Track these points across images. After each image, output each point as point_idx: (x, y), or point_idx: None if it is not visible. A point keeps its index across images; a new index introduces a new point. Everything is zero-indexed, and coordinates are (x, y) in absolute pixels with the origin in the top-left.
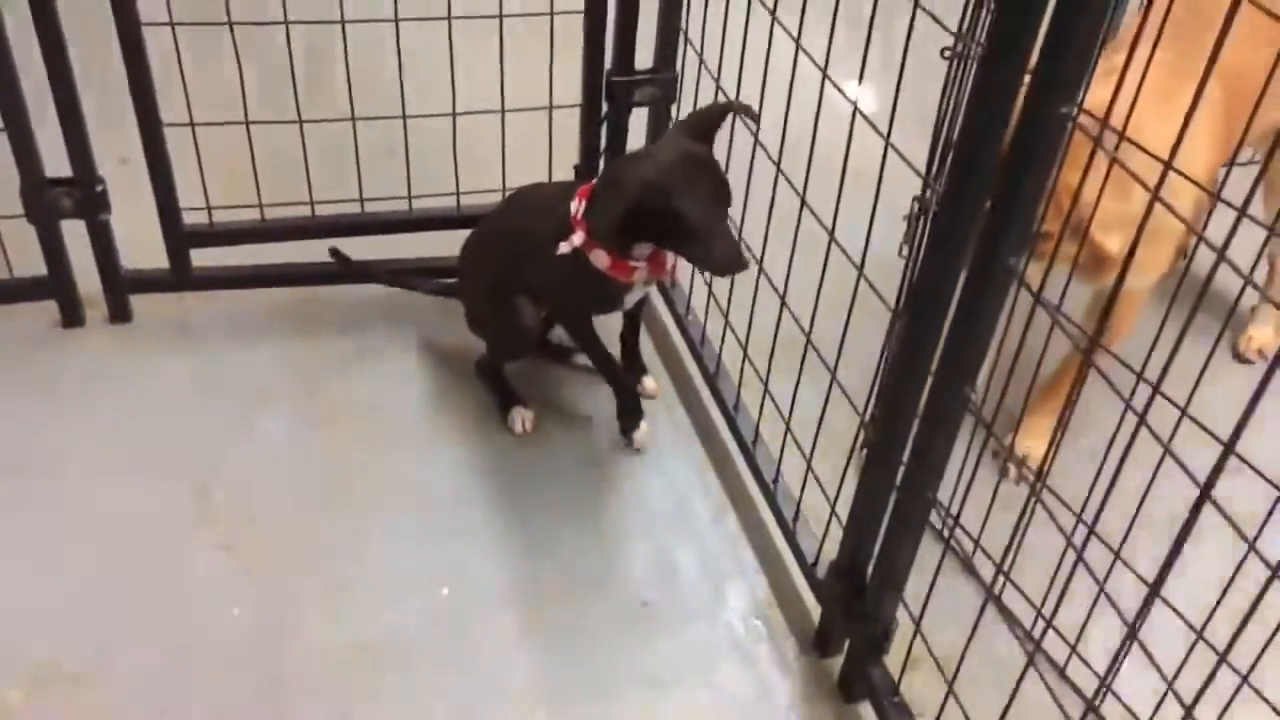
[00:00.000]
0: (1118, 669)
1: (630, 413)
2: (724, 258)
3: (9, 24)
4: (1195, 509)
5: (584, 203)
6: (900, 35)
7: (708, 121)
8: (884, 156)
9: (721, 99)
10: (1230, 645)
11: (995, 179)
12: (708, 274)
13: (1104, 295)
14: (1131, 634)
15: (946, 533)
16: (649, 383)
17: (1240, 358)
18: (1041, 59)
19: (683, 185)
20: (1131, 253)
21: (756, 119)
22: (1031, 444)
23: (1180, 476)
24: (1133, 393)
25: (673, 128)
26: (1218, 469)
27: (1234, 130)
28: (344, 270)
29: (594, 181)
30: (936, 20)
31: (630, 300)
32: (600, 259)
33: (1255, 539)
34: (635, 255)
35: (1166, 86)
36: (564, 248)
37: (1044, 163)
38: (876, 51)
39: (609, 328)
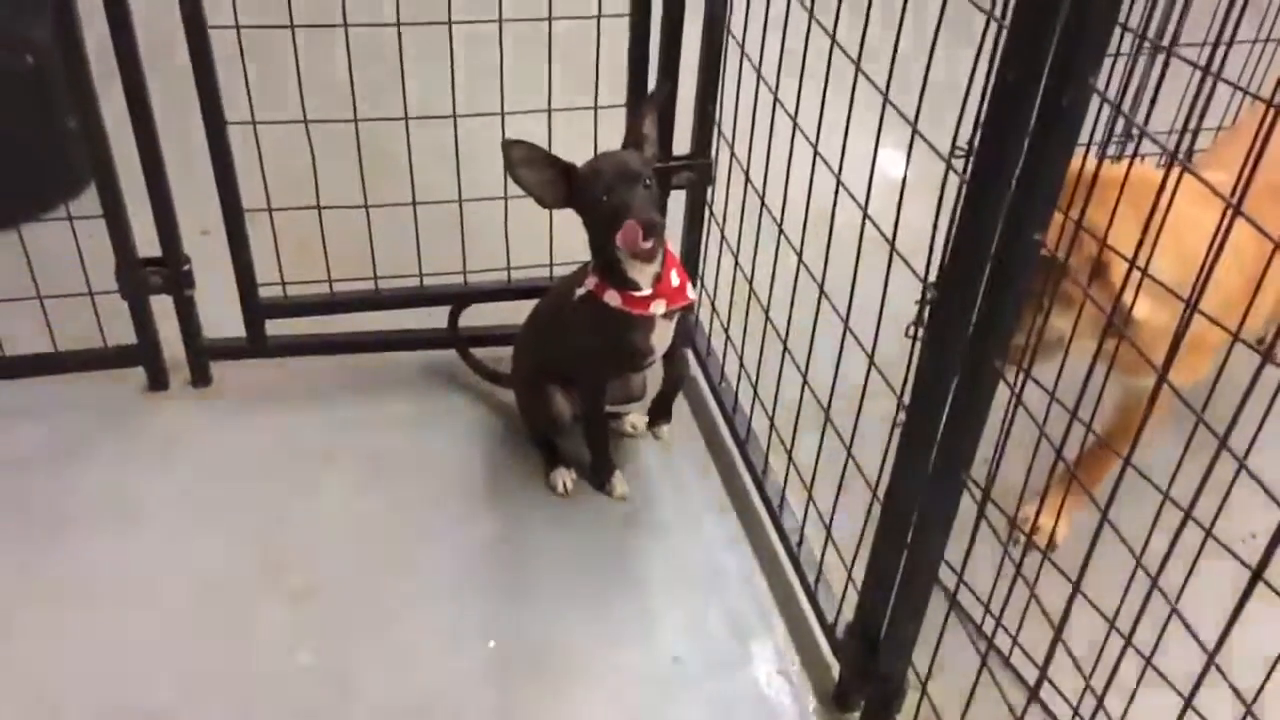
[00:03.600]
0: None
1: (600, 470)
2: (634, 219)
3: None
4: (1145, 599)
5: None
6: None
7: (636, 132)
8: (889, 260)
9: (754, 193)
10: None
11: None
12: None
13: (1131, 394)
14: (1099, 705)
15: (957, 604)
16: (666, 430)
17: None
18: (1017, 192)
19: (589, 170)
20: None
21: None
22: (1044, 520)
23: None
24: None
25: None
26: (1168, 554)
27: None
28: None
29: None
30: (932, 147)
31: (659, 345)
32: (613, 298)
33: (1226, 631)
34: (634, 277)
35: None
36: (580, 291)
37: (1021, 279)
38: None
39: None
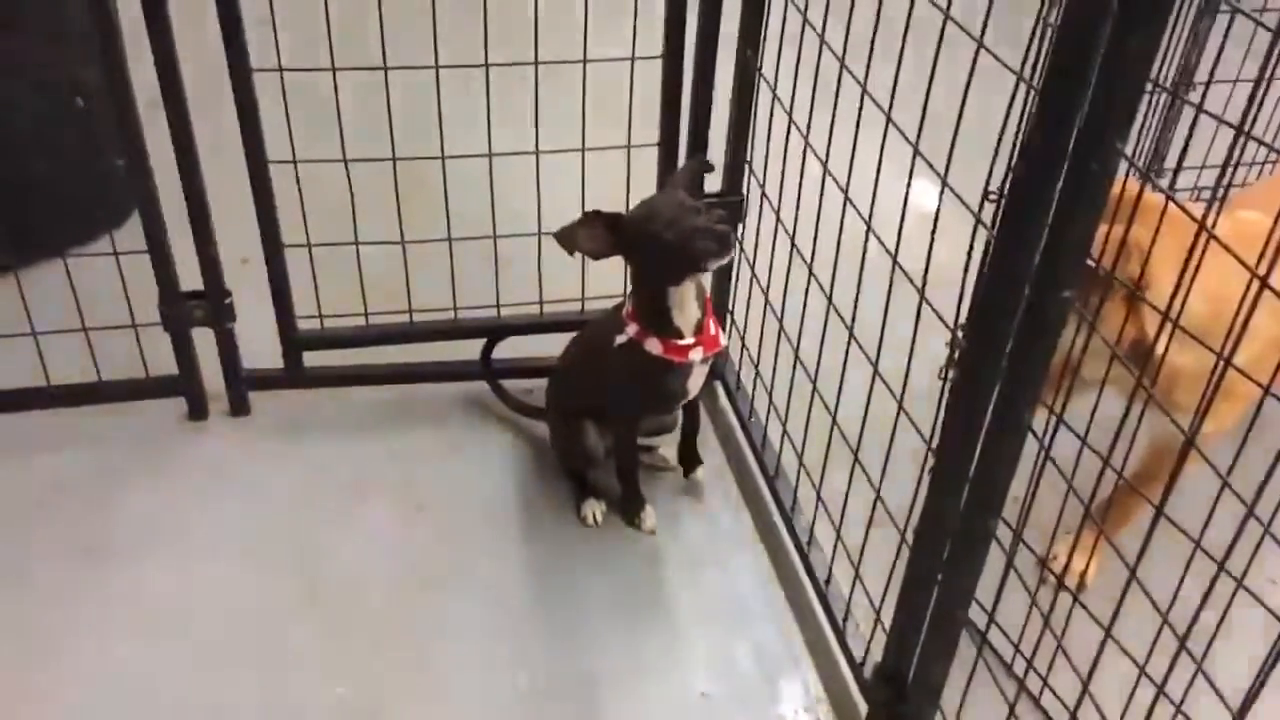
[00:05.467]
0: None
1: (631, 504)
2: (706, 242)
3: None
4: (1177, 650)
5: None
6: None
7: (687, 177)
8: (919, 305)
9: (783, 233)
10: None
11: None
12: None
13: (1163, 432)
14: None
15: (986, 645)
16: (701, 472)
17: None
18: (1043, 255)
19: (642, 211)
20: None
21: (711, 168)
22: (1075, 561)
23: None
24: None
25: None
26: (1200, 608)
27: None
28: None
29: None
30: (962, 201)
31: (693, 387)
32: (654, 346)
33: (1254, 691)
34: (678, 324)
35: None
36: (620, 339)
37: (1051, 335)
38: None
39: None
